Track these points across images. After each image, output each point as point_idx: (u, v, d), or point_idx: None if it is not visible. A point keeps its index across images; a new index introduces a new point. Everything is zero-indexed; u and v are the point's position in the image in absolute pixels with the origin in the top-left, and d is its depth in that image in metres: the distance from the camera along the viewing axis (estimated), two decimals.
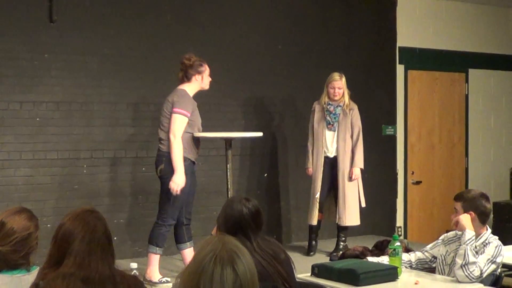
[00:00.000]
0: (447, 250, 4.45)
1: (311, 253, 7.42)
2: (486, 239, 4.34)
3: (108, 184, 7.22)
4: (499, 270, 4.40)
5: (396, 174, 9.22)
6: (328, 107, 7.30)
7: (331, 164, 7.36)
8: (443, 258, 4.48)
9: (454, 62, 9.71)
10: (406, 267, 4.52)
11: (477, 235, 4.34)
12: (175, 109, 5.94)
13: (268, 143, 8.04)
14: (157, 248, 6.04)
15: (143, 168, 7.34)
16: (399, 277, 4.23)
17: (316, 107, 7.41)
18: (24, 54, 6.82)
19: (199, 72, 6.13)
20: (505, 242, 4.66)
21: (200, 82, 6.16)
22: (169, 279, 5.95)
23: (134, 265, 3.25)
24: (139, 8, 7.40)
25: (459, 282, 4.12)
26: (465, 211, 4.37)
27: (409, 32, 9.26)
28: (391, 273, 4.19)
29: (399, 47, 9.20)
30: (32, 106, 6.84)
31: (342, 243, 7.37)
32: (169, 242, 6.45)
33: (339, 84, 7.29)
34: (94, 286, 2.63)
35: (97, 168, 7.16)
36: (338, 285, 4.11)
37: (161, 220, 6.08)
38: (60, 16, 6.91)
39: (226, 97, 7.85)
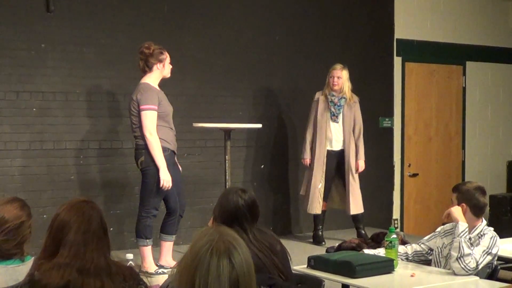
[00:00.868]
0: (444, 243, 4.46)
1: (323, 243, 7.45)
2: (481, 231, 4.34)
3: (104, 175, 7.21)
4: (495, 261, 4.40)
5: (393, 166, 9.22)
6: (333, 98, 7.34)
7: (336, 156, 7.42)
8: (439, 250, 4.49)
9: (452, 54, 9.70)
10: (402, 259, 4.52)
11: (472, 227, 4.35)
12: (141, 107, 5.89)
13: (265, 134, 8.03)
14: (147, 240, 6.04)
15: None
16: (395, 269, 4.23)
17: (320, 98, 7.43)
18: (21, 44, 6.80)
19: (160, 60, 6.07)
20: (501, 235, 4.67)
21: (161, 70, 6.09)
22: (165, 271, 5.95)
23: (130, 256, 3.25)
24: None
25: (455, 274, 4.13)
26: (459, 202, 4.38)
27: (407, 24, 9.25)
28: (387, 265, 4.20)
29: (396, 39, 9.18)
30: (28, 96, 6.82)
31: (362, 232, 7.54)
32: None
33: (338, 73, 7.35)
34: (90, 277, 2.63)
35: (94, 159, 7.15)
36: (334, 277, 4.11)
37: (144, 212, 6.07)
38: (57, 6, 6.89)
39: (223, 88, 7.84)
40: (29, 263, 3.25)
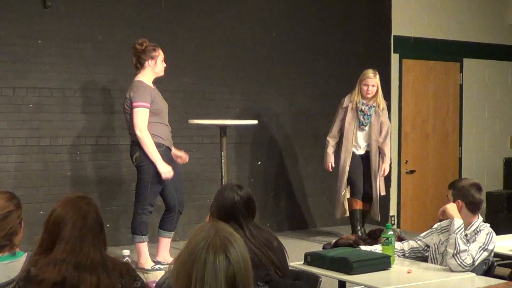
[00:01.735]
0: (440, 239, 4.46)
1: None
2: (477, 227, 4.35)
3: (101, 171, 7.20)
4: (491, 257, 4.41)
5: (390, 163, 9.21)
6: (363, 107, 7.08)
7: (361, 158, 7.30)
8: (436, 247, 4.49)
9: (449, 51, 9.70)
10: (399, 255, 4.53)
11: (468, 224, 4.36)
12: (133, 104, 5.88)
13: (261, 131, 8.03)
14: (143, 237, 6.04)
15: None
16: (392, 265, 4.23)
17: (349, 105, 7.14)
18: (18, 39, 6.78)
19: (152, 57, 6.03)
20: (498, 232, 4.68)
21: (153, 67, 6.04)
22: (161, 267, 5.95)
23: (126, 252, 3.24)
24: None
25: (452, 271, 4.13)
26: (455, 199, 4.39)
27: (404, 21, 9.25)
28: (384, 262, 4.20)
29: (394, 36, 9.18)
30: (25, 92, 6.80)
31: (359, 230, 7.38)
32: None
33: (373, 82, 7.05)
34: (86, 272, 2.62)
35: (91, 155, 7.14)
36: (331, 274, 4.12)
37: (140, 208, 6.05)
38: (54, 2, 6.87)
39: (220, 85, 7.83)
40: (21, 259, 3.24)
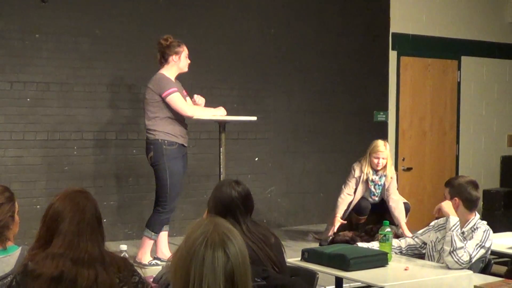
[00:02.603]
0: (437, 237, 4.46)
1: None
2: (474, 225, 4.35)
3: (98, 166, 7.20)
4: (488, 255, 4.41)
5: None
6: (374, 177, 6.93)
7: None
8: (433, 244, 4.49)
9: (447, 49, 9.70)
10: (396, 253, 4.53)
11: (465, 221, 4.36)
12: (164, 94, 5.90)
13: (259, 127, 8.02)
14: (153, 234, 6.02)
15: (134, 150, 7.32)
16: (389, 262, 4.24)
17: (361, 176, 6.91)
18: (15, 34, 6.77)
19: (176, 53, 6.06)
20: (495, 230, 4.68)
21: (178, 63, 6.07)
22: (159, 262, 5.95)
23: (123, 247, 3.24)
24: None
25: (449, 268, 4.14)
26: (451, 197, 4.40)
27: (402, 18, 9.24)
28: (381, 259, 4.20)
29: (392, 33, 9.17)
30: (22, 86, 6.79)
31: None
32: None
33: (384, 155, 6.89)
34: (84, 267, 2.62)
35: (88, 149, 7.13)
36: (328, 270, 4.12)
37: (161, 207, 6.02)
38: None
39: (218, 81, 7.82)
40: (15, 253, 3.23)
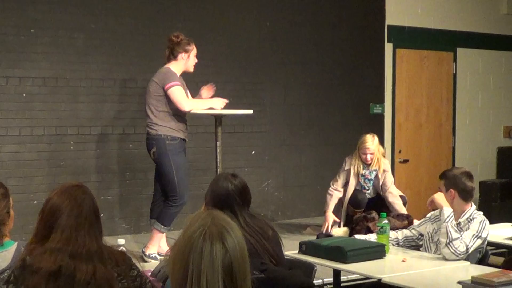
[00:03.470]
0: (434, 228, 4.48)
1: None
2: (470, 215, 4.37)
3: (95, 161, 7.19)
4: (485, 245, 4.43)
5: (384, 152, 9.22)
6: (364, 172, 6.93)
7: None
8: (430, 235, 4.51)
9: (443, 40, 9.70)
10: (393, 244, 4.54)
11: (461, 212, 4.38)
12: (166, 87, 5.92)
13: (255, 120, 8.02)
14: (162, 227, 6.04)
15: (130, 145, 7.32)
16: (386, 254, 4.25)
17: (351, 169, 6.94)
18: (10, 29, 6.75)
19: (186, 51, 6.08)
20: (491, 221, 4.70)
21: (186, 61, 6.09)
22: (158, 256, 5.95)
23: (121, 241, 3.24)
24: None
25: (446, 259, 4.15)
26: (447, 189, 4.41)
27: (398, 10, 9.24)
28: (378, 251, 4.22)
29: (387, 25, 9.17)
30: (18, 81, 6.78)
31: None
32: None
33: (371, 150, 6.88)
34: (82, 261, 2.62)
35: (84, 144, 7.12)
36: (326, 262, 4.13)
37: (171, 201, 6.03)
38: None
39: (214, 74, 7.80)
40: (11, 248, 3.23)
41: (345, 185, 7.01)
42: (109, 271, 2.65)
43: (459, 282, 3.57)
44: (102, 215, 2.98)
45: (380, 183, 6.97)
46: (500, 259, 4.98)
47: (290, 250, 4.31)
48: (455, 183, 4.41)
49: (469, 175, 4.47)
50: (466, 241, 4.17)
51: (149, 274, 3.44)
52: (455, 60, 9.86)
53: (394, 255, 4.31)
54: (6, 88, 6.72)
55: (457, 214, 4.37)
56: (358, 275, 4.70)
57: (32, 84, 6.84)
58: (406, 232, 4.66)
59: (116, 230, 7.12)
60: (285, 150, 8.35)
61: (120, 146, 7.31)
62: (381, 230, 4.35)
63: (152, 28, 7.37)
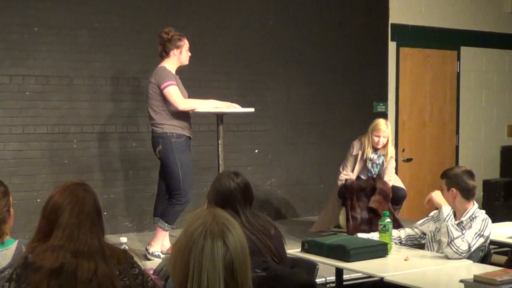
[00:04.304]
0: (437, 227, 4.47)
1: None
2: (472, 214, 4.36)
3: (98, 159, 7.20)
4: (488, 244, 4.42)
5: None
6: (372, 156, 6.91)
7: None
8: (432, 234, 4.50)
9: (446, 39, 9.68)
10: (396, 243, 4.54)
11: (463, 210, 4.38)
12: (162, 86, 5.90)
13: (259, 119, 8.02)
14: (166, 225, 6.04)
15: (133, 143, 7.33)
16: (389, 253, 4.24)
17: (359, 153, 6.94)
18: (14, 27, 6.76)
19: (178, 47, 6.05)
20: (494, 220, 4.69)
21: (178, 56, 6.07)
22: (161, 255, 5.95)
23: (123, 239, 3.25)
24: None
25: (448, 258, 4.14)
26: (448, 188, 4.41)
27: (402, 9, 9.23)
28: (381, 249, 4.21)
29: (391, 24, 9.16)
30: (21, 80, 6.79)
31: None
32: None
33: (385, 134, 6.86)
34: (84, 259, 2.62)
35: (87, 143, 7.13)
36: (328, 261, 4.12)
37: (175, 199, 6.03)
38: None
39: (217, 73, 7.82)
40: (12, 247, 3.23)
41: (352, 171, 7.00)
42: (111, 269, 2.66)
43: (461, 281, 3.56)
44: (105, 213, 2.99)
45: (384, 168, 6.97)
46: (503, 258, 4.98)
47: (293, 248, 4.30)
48: (457, 182, 4.40)
49: (470, 174, 4.47)
50: (468, 239, 4.16)
51: (152, 272, 3.44)
52: (458, 59, 9.85)
53: (396, 254, 4.31)
54: (9, 87, 6.73)
55: (459, 212, 4.37)
56: (360, 274, 4.70)
57: (36, 83, 6.85)
58: (408, 230, 4.65)
59: (119, 228, 7.13)
60: (288, 149, 8.35)
61: (123, 144, 7.31)
62: (383, 229, 4.35)
63: (156, 26, 7.33)
